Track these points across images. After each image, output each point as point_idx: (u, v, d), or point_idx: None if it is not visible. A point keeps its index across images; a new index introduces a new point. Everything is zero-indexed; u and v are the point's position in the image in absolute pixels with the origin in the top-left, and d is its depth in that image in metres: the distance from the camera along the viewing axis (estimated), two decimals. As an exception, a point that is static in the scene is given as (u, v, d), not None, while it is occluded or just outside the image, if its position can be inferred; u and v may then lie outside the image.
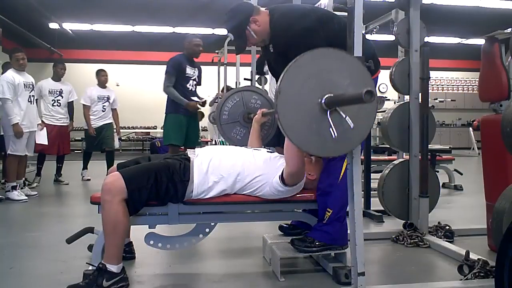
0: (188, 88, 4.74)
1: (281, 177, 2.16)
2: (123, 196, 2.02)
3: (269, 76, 5.11)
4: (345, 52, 1.77)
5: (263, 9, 2.39)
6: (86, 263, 2.13)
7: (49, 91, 5.92)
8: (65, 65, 6.21)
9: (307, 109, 1.69)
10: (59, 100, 5.98)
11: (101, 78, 6.48)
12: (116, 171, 2.12)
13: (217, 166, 2.21)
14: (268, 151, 2.38)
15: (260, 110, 2.80)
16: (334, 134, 1.67)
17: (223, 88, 7.46)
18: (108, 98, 6.45)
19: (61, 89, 6.02)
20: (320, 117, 1.70)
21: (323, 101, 1.68)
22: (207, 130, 9.69)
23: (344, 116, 1.69)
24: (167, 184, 2.11)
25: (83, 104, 6.34)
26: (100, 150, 6.44)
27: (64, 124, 6.07)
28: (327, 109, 1.68)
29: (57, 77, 6.04)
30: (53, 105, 5.92)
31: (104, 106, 6.41)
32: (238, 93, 3.01)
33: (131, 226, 2.23)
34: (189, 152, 2.32)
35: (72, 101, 6.19)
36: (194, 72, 4.82)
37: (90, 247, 2.43)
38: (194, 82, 4.84)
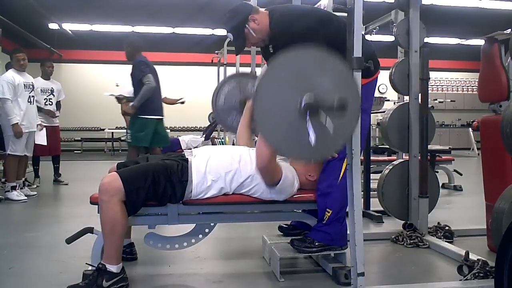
0: None
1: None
2: (121, 197, 2.02)
3: None
4: (325, 53, 1.73)
5: (262, 9, 2.39)
6: (86, 263, 2.13)
7: (41, 90, 5.81)
8: (52, 64, 6.15)
9: (286, 113, 1.67)
10: (51, 99, 5.89)
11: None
12: (114, 171, 2.12)
13: (215, 165, 2.21)
14: None
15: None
16: (313, 141, 1.64)
17: None
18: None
19: (52, 87, 5.94)
20: (299, 122, 1.67)
21: (302, 104, 1.65)
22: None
23: (324, 123, 1.66)
24: (165, 185, 2.11)
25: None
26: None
27: (55, 125, 6.00)
28: (306, 113, 1.66)
29: (46, 76, 5.97)
30: (45, 104, 5.80)
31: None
32: (236, 78, 2.96)
33: (133, 226, 2.22)
34: (186, 152, 2.33)
35: (59, 100, 6.09)
36: None
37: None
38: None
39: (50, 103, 5.91)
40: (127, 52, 4.57)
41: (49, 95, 5.90)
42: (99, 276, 2.01)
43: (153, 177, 2.09)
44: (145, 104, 4.33)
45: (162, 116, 4.61)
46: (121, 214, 2.02)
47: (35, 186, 5.68)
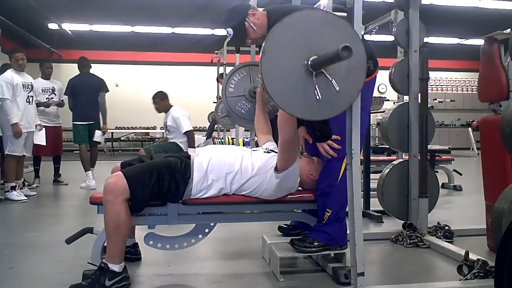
0: None
1: (275, 168, 2.17)
2: (126, 196, 2.02)
3: None
4: (333, 15, 1.75)
5: (260, 9, 2.41)
6: (88, 262, 2.13)
7: (42, 89, 5.82)
8: (51, 64, 6.17)
9: (293, 70, 1.67)
10: (53, 98, 5.90)
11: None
12: (119, 171, 2.12)
13: (216, 165, 2.21)
14: (264, 152, 2.37)
15: (262, 83, 2.72)
16: (319, 96, 1.66)
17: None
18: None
19: (53, 87, 5.95)
20: (306, 79, 1.68)
21: (309, 63, 1.66)
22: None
23: (330, 78, 1.67)
24: (169, 182, 2.11)
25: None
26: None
27: (57, 125, 6.01)
28: (312, 71, 1.67)
29: (46, 76, 5.98)
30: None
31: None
32: (246, 67, 2.95)
33: (137, 226, 2.22)
34: (190, 151, 2.34)
35: (63, 100, 6.10)
36: None
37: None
38: None
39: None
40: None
41: (51, 94, 5.91)
42: (102, 275, 2.01)
43: (158, 175, 2.09)
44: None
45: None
46: (125, 214, 2.02)
47: (35, 186, 5.69)
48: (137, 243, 2.56)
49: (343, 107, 1.77)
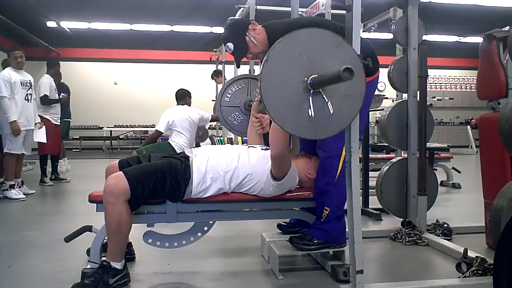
0: None
1: (271, 173, 2.17)
2: (127, 197, 2.02)
3: None
4: (342, 39, 1.75)
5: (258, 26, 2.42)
6: (89, 261, 2.13)
7: (54, 89, 5.92)
8: (59, 65, 6.29)
9: (291, 84, 1.68)
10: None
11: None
12: (119, 171, 2.11)
13: (214, 164, 2.21)
14: (262, 149, 2.37)
15: (258, 97, 2.69)
16: (312, 114, 1.66)
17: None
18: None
19: (57, 88, 6.02)
20: (303, 96, 1.69)
21: (309, 81, 1.67)
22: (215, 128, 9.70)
23: (326, 100, 1.68)
24: (170, 183, 2.11)
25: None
26: None
27: (58, 123, 6.08)
28: (310, 89, 1.67)
29: (57, 77, 6.06)
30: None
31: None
32: (245, 80, 2.96)
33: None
34: (187, 151, 2.33)
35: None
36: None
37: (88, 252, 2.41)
38: None
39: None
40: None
41: (56, 94, 5.94)
42: (105, 273, 2.02)
43: (160, 176, 2.09)
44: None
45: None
46: (126, 214, 2.03)
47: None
48: (130, 242, 2.54)
49: (335, 130, 1.78)
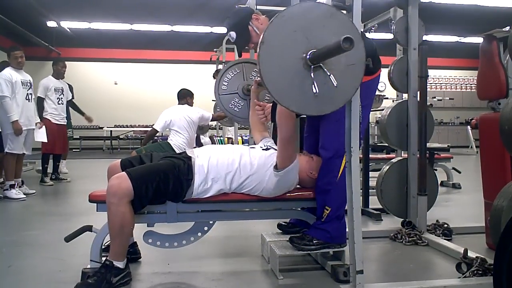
0: None
1: (275, 166, 2.17)
2: (130, 198, 2.02)
3: None
4: (334, 9, 1.73)
5: (262, 16, 2.41)
6: (91, 260, 2.13)
7: (54, 88, 5.91)
8: (65, 64, 6.23)
9: (291, 63, 1.65)
10: (62, 98, 6.00)
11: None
12: (122, 172, 2.10)
13: (215, 165, 2.21)
14: (263, 149, 2.37)
15: (256, 80, 2.66)
16: (316, 90, 1.64)
17: None
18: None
19: (62, 87, 6.04)
20: (304, 73, 1.66)
21: (308, 56, 1.64)
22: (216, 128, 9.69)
23: (328, 73, 1.65)
24: (173, 183, 2.11)
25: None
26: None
27: (64, 123, 6.12)
28: (311, 65, 1.65)
29: (57, 76, 6.03)
30: (58, 103, 5.93)
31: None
32: (239, 64, 2.94)
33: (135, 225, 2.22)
34: (188, 152, 2.32)
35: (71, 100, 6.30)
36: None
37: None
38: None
39: (62, 102, 6.01)
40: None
41: (60, 94, 5.99)
42: (108, 272, 2.03)
43: (162, 176, 2.09)
44: None
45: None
46: (129, 215, 2.02)
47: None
48: (135, 242, 2.55)
49: (341, 103, 1.76)
